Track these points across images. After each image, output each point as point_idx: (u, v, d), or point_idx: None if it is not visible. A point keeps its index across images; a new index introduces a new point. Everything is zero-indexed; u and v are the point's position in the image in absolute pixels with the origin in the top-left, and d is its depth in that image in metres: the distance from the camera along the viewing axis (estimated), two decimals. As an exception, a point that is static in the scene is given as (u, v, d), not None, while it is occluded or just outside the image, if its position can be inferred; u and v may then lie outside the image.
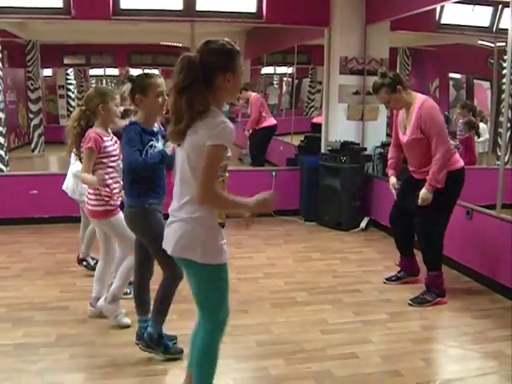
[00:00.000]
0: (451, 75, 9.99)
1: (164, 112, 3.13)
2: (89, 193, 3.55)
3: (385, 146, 6.43)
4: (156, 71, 10.16)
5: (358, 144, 6.40)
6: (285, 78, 12.98)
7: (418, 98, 4.00)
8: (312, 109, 12.32)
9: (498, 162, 4.86)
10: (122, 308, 3.62)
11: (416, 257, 4.47)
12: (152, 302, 3.21)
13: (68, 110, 12.58)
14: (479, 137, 7.11)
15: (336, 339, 3.47)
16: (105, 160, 3.50)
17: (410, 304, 4.03)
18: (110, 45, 10.88)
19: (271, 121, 8.65)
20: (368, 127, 6.53)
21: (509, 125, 6.21)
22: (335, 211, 6.23)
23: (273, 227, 6.21)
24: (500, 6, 6.49)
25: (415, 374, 3.05)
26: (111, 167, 3.53)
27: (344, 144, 6.23)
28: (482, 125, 7.25)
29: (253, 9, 6.24)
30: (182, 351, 3.16)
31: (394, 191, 4.33)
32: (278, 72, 13.00)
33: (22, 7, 5.69)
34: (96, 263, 4.01)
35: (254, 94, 8.88)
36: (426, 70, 9.75)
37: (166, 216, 2.47)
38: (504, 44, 5.23)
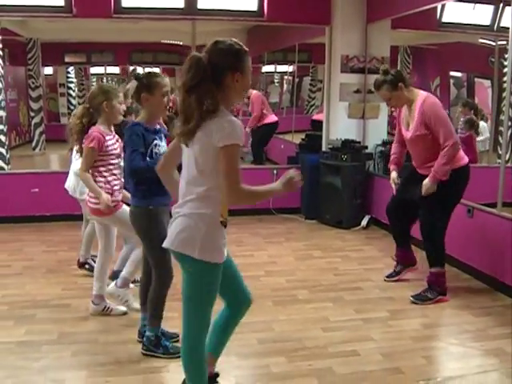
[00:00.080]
0: (452, 74, 9.98)
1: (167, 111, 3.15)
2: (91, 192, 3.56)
3: (386, 144, 6.44)
4: (157, 69, 10.15)
5: (359, 142, 6.41)
6: (285, 77, 12.98)
7: (420, 95, 4.02)
8: (313, 107, 12.33)
9: (499, 161, 4.86)
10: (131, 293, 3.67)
11: (417, 254, 4.50)
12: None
13: (69, 108, 12.58)
14: (478, 135, 7.11)
15: (337, 337, 3.48)
16: (105, 158, 3.52)
17: (411, 300, 4.05)
18: (110, 43, 10.86)
19: (272, 118, 8.67)
20: (369, 125, 6.54)
21: (510, 123, 6.21)
22: (336, 209, 6.23)
23: (274, 225, 6.23)
24: (501, 5, 6.49)
25: (416, 371, 3.06)
26: (112, 164, 3.54)
27: (345, 142, 6.23)
28: (482, 123, 7.25)
29: (254, 7, 6.24)
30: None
31: (393, 186, 4.35)
32: (278, 70, 13.00)
33: (23, 5, 5.70)
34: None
35: (254, 91, 8.90)
36: (426, 68, 9.75)
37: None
38: (505, 42, 5.23)
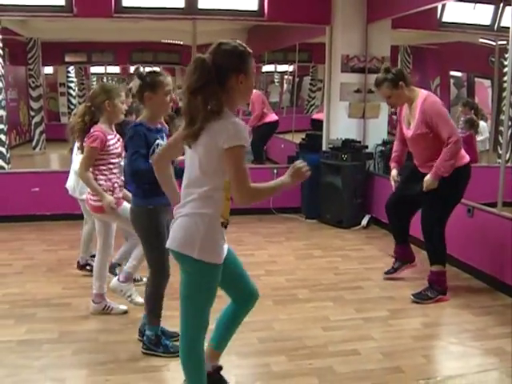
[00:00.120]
0: (452, 73, 9.98)
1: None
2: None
3: (386, 143, 6.45)
4: (157, 69, 10.13)
5: (360, 142, 6.42)
6: (285, 76, 12.98)
7: (421, 94, 4.03)
8: (313, 107, 12.33)
9: (499, 160, 4.87)
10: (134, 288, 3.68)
11: (414, 253, 4.53)
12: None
13: (69, 107, 12.57)
14: (478, 135, 7.11)
15: (337, 336, 3.49)
16: (106, 157, 3.52)
17: (412, 299, 4.06)
18: (111, 42, 10.86)
19: (273, 117, 8.67)
20: (369, 125, 6.55)
21: (510, 123, 6.22)
22: (336, 209, 6.24)
23: (274, 225, 6.23)
24: (501, 5, 6.50)
25: (416, 370, 3.07)
26: (112, 163, 3.55)
27: (345, 142, 6.24)
28: (481, 123, 7.25)
29: (254, 7, 6.25)
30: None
31: (393, 183, 4.36)
32: (278, 70, 13.01)
33: (24, 5, 5.71)
34: None
35: (255, 91, 8.88)
36: (426, 68, 9.75)
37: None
38: (505, 42, 5.24)
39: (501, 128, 6.60)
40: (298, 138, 8.31)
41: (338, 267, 4.88)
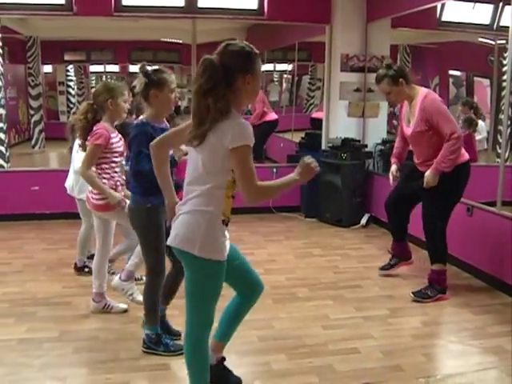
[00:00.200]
0: (451, 72, 9.99)
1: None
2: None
3: (385, 142, 6.46)
4: (160, 67, 10.12)
5: (359, 141, 6.42)
6: (285, 75, 12.98)
7: (421, 92, 4.04)
8: (312, 106, 12.32)
9: (498, 160, 4.88)
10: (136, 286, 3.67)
11: (414, 252, 4.56)
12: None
13: (68, 106, 12.56)
14: (475, 133, 7.12)
15: (337, 334, 3.50)
16: (109, 155, 3.52)
17: (411, 297, 4.07)
18: (110, 41, 10.84)
19: (273, 115, 8.69)
20: (369, 124, 6.56)
21: (509, 122, 6.23)
22: (336, 208, 6.25)
23: (274, 224, 6.24)
24: (501, 4, 6.50)
25: (416, 368, 3.08)
26: (114, 162, 3.55)
27: (345, 141, 6.25)
28: (480, 122, 7.26)
29: (254, 6, 6.25)
30: (183, 347, 3.18)
31: (391, 178, 4.38)
32: (277, 69, 13.00)
33: (24, 3, 5.70)
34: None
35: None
36: (426, 67, 9.75)
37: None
38: (504, 42, 5.24)
39: (500, 127, 6.61)
40: (297, 137, 8.32)
41: (337, 266, 4.89)
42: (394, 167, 4.38)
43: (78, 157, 4.12)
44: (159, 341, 3.18)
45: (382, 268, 4.62)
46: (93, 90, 13.56)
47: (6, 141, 7.08)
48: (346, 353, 3.25)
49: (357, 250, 5.38)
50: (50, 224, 6.04)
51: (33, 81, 10.36)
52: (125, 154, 3.60)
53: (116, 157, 3.57)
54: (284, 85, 13.17)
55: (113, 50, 11.55)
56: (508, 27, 4.36)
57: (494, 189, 4.48)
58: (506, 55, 5.87)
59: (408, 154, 4.42)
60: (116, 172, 3.57)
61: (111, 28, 9.10)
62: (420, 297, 4.06)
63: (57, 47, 11.12)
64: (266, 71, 12.78)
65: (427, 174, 3.96)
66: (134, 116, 4.14)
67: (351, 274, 4.69)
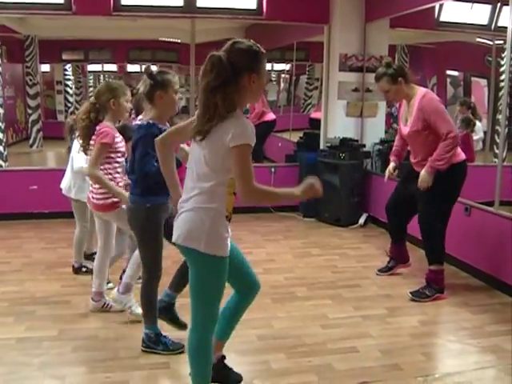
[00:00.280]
0: (449, 72, 10.02)
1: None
2: (95, 188, 3.56)
3: (383, 142, 6.48)
4: (154, 68, 10.12)
5: (357, 141, 6.43)
6: (282, 75, 12.99)
7: (420, 92, 4.06)
8: (309, 106, 12.35)
9: (496, 160, 4.91)
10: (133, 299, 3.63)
11: (412, 251, 4.55)
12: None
13: (66, 105, 12.55)
14: (473, 134, 7.15)
15: (336, 333, 3.51)
16: (113, 155, 3.52)
17: (409, 297, 4.08)
18: (108, 40, 10.83)
19: (271, 116, 8.69)
20: (367, 124, 6.57)
21: (506, 122, 6.25)
22: (334, 207, 6.26)
23: (272, 223, 6.25)
24: (498, 4, 6.53)
25: (415, 367, 3.09)
26: (118, 162, 3.55)
27: (343, 141, 6.26)
28: (476, 123, 7.28)
29: (253, 5, 6.25)
30: (182, 346, 3.17)
31: (386, 175, 4.40)
32: (275, 69, 13.01)
33: (23, 3, 5.69)
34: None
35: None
36: (423, 67, 9.78)
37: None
38: (502, 42, 5.27)
39: (497, 127, 6.64)
40: (294, 137, 8.33)
41: (335, 265, 4.90)
42: (391, 165, 4.41)
43: (78, 157, 4.13)
44: (158, 340, 3.19)
45: (380, 270, 4.64)
46: (91, 89, 13.61)
47: (4, 140, 7.10)
48: (345, 352, 3.26)
49: (355, 250, 5.40)
50: (48, 223, 6.03)
51: (31, 80, 10.35)
52: (125, 155, 3.59)
53: (119, 157, 3.56)
54: (282, 84, 13.19)
55: (111, 50, 11.53)
56: (506, 27, 4.38)
57: (491, 189, 4.50)
58: (503, 55, 5.92)
59: (406, 154, 4.44)
60: (118, 173, 3.56)
61: (109, 27, 9.09)
62: (418, 296, 4.07)
63: (55, 46, 11.10)
64: (264, 71, 12.78)
65: (422, 173, 3.97)
66: (132, 116, 4.14)
67: (350, 273, 4.71)
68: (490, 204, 4.51)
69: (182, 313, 3.28)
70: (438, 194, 3.98)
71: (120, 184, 3.55)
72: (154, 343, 3.18)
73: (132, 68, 12.91)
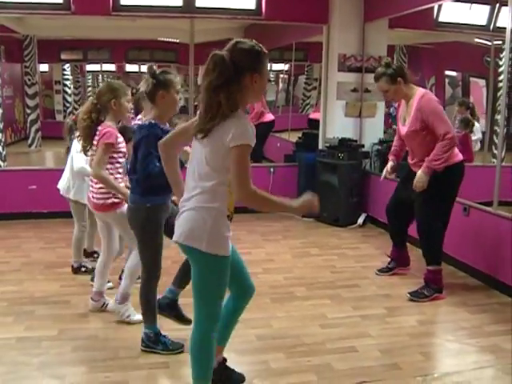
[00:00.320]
0: (447, 73, 10.03)
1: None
2: (95, 188, 3.55)
3: (382, 142, 6.48)
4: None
5: (356, 141, 6.44)
6: (281, 75, 12.99)
7: (418, 92, 4.08)
8: (308, 106, 12.35)
9: (494, 160, 4.91)
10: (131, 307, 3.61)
11: (412, 252, 4.56)
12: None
13: (64, 105, 12.55)
14: (472, 134, 7.16)
15: (335, 333, 3.51)
16: (115, 155, 3.51)
17: (408, 297, 4.09)
18: (107, 40, 10.83)
19: (269, 116, 8.69)
20: (366, 124, 6.58)
21: (505, 123, 6.26)
22: (333, 207, 6.26)
23: (271, 223, 6.25)
24: (497, 5, 6.54)
25: (414, 367, 3.10)
26: (119, 163, 3.54)
27: (342, 141, 6.26)
28: (475, 124, 7.29)
29: (252, 5, 6.26)
30: (182, 346, 3.19)
31: (383, 173, 4.45)
32: (274, 69, 13.02)
33: (22, 2, 5.69)
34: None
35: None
36: (422, 67, 9.79)
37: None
38: (501, 42, 5.28)
39: (496, 128, 6.65)
40: (293, 137, 8.33)
41: (334, 265, 4.91)
42: (389, 164, 4.44)
43: (78, 157, 4.12)
44: (157, 340, 3.19)
45: (380, 270, 4.65)
46: (89, 89, 13.57)
47: (3, 140, 7.09)
48: (344, 351, 3.27)
49: (354, 250, 5.40)
50: (47, 223, 6.03)
51: (29, 80, 10.35)
52: (126, 155, 3.59)
53: (121, 157, 3.56)
54: (280, 85, 13.19)
55: (110, 50, 11.53)
56: (505, 28, 4.39)
57: (490, 189, 4.51)
58: (502, 56, 5.93)
59: (405, 154, 4.45)
60: (119, 173, 3.54)
61: (108, 27, 9.09)
62: (416, 297, 4.08)
63: (53, 46, 11.10)
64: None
65: (419, 173, 3.99)
66: (131, 116, 4.14)
67: (348, 273, 4.71)
68: (489, 204, 4.52)
69: (184, 312, 3.31)
70: (435, 195, 3.99)
71: (121, 185, 3.55)
72: (154, 343, 3.18)
73: (130, 68, 12.92)
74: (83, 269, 4.51)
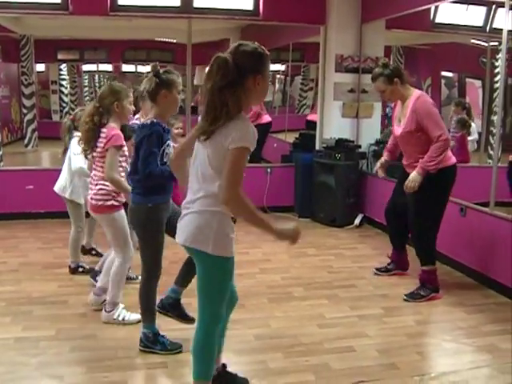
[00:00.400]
0: (443, 74, 10.07)
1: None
2: (95, 189, 3.54)
3: (379, 143, 6.50)
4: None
5: (353, 141, 6.45)
6: (277, 76, 13.00)
7: (415, 93, 4.09)
8: (304, 106, 12.37)
9: (490, 161, 4.94)
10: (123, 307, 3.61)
11: (408, 253, 4.59)
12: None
13: (61, 105, 12.54)
14: (469, 135, 7.19)
15: (333, 333, 3.53)
16: (120, 158, 3.49)
17: (404, 299, 4.10)
18: (104, 40, 10.82)
19: (266, 118, 8.69)
20: (363, 125, 6.59)
21: (501, 123, 6.30)
22: (330, 208, 6.28)
23: (268, 223, 6.24)
24: (494, 6, 6.57)
25: (411, 366, 3.12)
26: (122, 166, 3.52)
27: (339, 141, 6.28)
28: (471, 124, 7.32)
29: (250, 6, 6.26)
30: (180, 346, 3.20)
31: (378, 165, 4.54)
32: (270, 69, 13.01)
33: (19, 2, 5.69)
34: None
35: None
36: (418, 68, 9.82)
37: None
38: (497, 43, 5.30)
39: (492, 128, 6.67)
40: (290, 138, 8.33)
41: (331, 266, 4.92)
42: (383, 158, 4.53)
43: (77, 157, 4.12)
44: (156, 339, 3.19)
45: (378, 269, 4.66)
46: (86, 89, 13.51)
47: (0, 140, 7.07)
48: (342, 351, 3.28)
49: (351, 250, 5.42)
50: (44, 223, 6.03)
51: (26, 79, 10.33)
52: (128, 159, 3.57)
53: (124, 161, 3.54)
54: (277, 85, 13.20)
55: (106, 50, 11.52)
56: (501, 29, 4.42)
57: (486, 189, 4.53)
58: (498, 57, 5.95)
59: (401, 156, 4.46)
60: (122, 177, 3.50)
61: (105, 27, 9.07)
62: (412, 298, 4.09)
63: (50, 46, 11.08)
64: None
65: (412, 174, 4.00)
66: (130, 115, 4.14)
67: (345, 273, 4.73)
68: (486, 205, 4.54)
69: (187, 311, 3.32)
70: (428, 196, 4.00)
71: None
72: (152, 343, 3.19)
73: (127, 68, 12.91)
74: (80, 269, 4.50)
